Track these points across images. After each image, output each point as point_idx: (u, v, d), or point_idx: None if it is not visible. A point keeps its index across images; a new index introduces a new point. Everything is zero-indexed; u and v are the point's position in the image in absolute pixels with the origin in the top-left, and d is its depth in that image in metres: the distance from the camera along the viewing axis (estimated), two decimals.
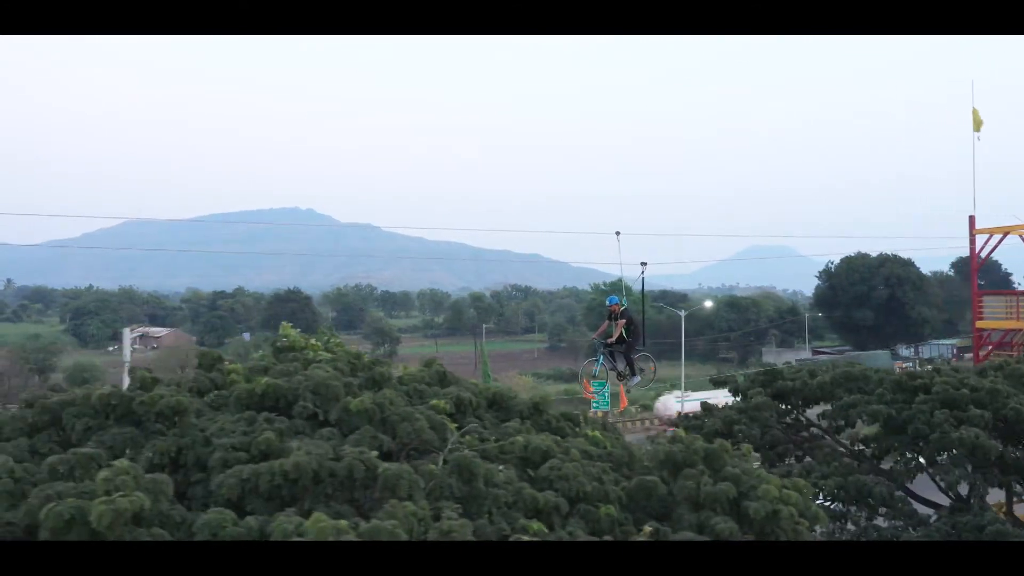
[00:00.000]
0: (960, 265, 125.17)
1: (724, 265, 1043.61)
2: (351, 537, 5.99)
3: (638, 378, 16.90)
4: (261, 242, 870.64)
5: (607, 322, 16.87)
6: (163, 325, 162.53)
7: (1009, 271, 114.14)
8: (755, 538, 7.85)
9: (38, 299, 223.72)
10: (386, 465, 6.76)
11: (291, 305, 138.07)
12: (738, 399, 19.78)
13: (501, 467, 7.64)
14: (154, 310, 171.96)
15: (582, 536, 7.09)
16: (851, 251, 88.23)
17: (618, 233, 17.79)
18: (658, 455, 8.48)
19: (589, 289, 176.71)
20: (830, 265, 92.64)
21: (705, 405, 20.47)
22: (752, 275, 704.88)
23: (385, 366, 10.44)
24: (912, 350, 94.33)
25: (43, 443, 7.64)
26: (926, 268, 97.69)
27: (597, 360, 17.07)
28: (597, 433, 9.33)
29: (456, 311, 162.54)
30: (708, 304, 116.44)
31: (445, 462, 7.29)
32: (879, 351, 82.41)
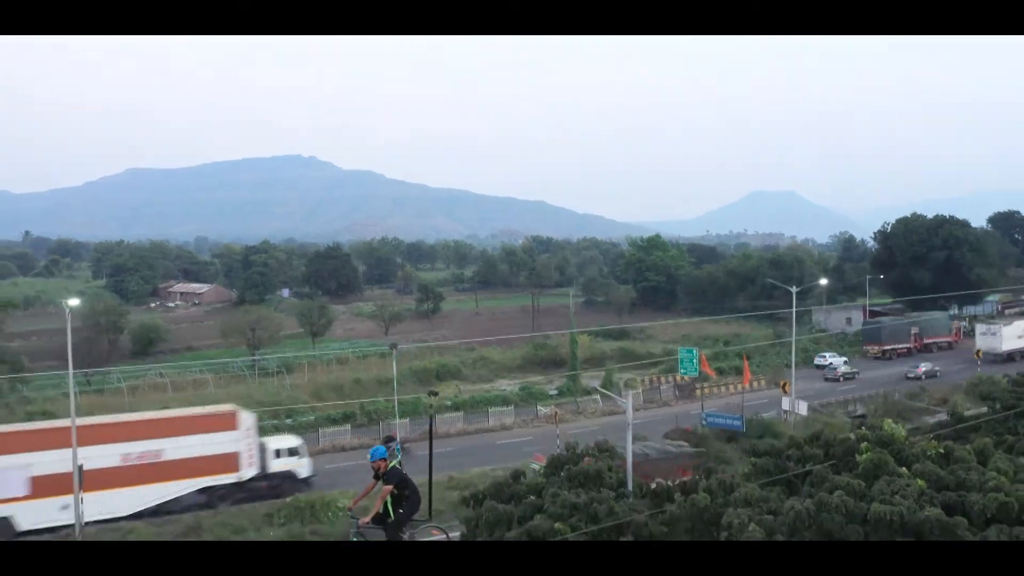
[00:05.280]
0: (997, 220, 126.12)
1: (729, 210, 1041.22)
2: None
3: None
4: (264, 190, 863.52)
5: (372, 483, 12.13)
6: (197, 280, 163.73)
7: None
8: None
9: (63, 252, 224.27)
10: None
11: (332, 262, 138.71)
12: None
13: None
14: (186, 265, 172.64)
15: None
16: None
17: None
18: None
19: (625, 245, 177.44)
20: (886, 226, 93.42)
21: None
22: (757, 221, 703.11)
23: None
24: (960, 310, 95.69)
25: None
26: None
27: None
28: None
29: (489, 265, 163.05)
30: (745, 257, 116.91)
31: None
32: (937, 312, 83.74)
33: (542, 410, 52.93)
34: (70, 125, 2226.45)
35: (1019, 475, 11.27)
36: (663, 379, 64.97)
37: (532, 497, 14.29)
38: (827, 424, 47.81)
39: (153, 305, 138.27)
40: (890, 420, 12.66)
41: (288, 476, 36.90)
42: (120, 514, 32.02)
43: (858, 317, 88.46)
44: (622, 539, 12.85)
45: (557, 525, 12.05)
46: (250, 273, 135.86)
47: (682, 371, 55.49)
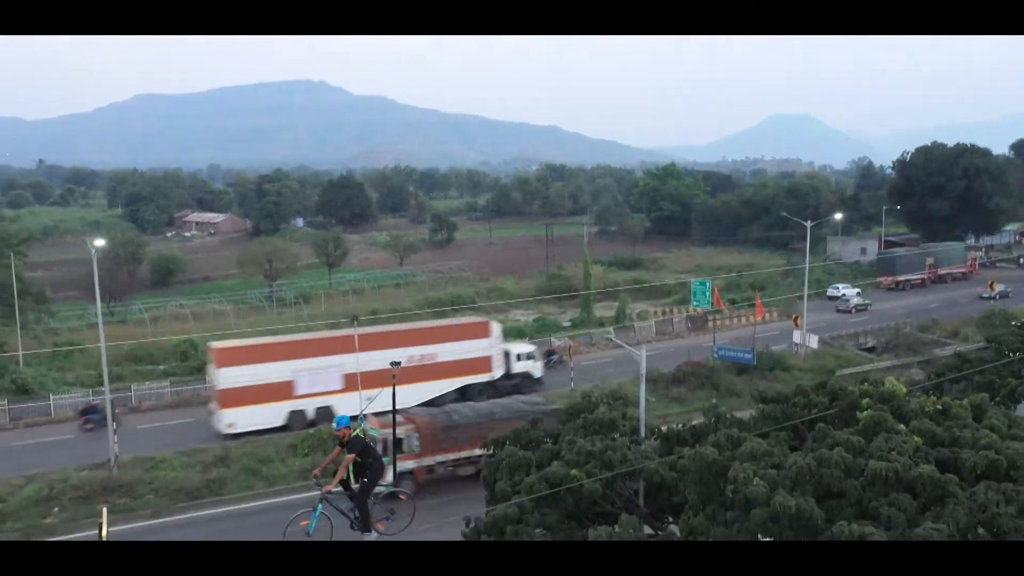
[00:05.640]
0: (1020, 147, 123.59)
1: (746, 135, 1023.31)
2: None
3: (374, 535, 12.18)
4: (274, 116, 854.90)
5: (338, 450, 12.40)
6: (211, 210, 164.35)
7: None
8: None
9: (77, 180, 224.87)
10: None
11: (345, 192, 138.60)
12: None
13: None
14: (200, 194, 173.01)
15: None
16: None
17: None
18: None
19: (639, 172, 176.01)
20: (905, 155, 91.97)
21: None
22: (775, 146, 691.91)
23: None
24: (977, 240, 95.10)
25: None
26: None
27: (315, 513, 12.04)
28: None
29: (502, 193, 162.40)
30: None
31: None
32: (953, 243, 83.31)
33: (556, 342, 53.85)
34: (79, 49, 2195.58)
35: (1012, 430, 11.83)
36: (676, 311, 65.62)
37: (549, 442, 15.07)
38: (837, 357, 48.68)
39: (169, 235, 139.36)
40: (892, 378, 13.14)
41: (526, 376, 43.20)
42: (405, 407, 36.28)
43: (873, 247, 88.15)
44: (632, 485, 13.68)
45: (573, 472, 12.79)
46: (264, 203, 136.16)
47: (695, 303, 56.08)
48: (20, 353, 48.66)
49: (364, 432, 12.41)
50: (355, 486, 12.11)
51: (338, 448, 12.31)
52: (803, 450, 11.58)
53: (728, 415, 15.54)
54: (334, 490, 12.02)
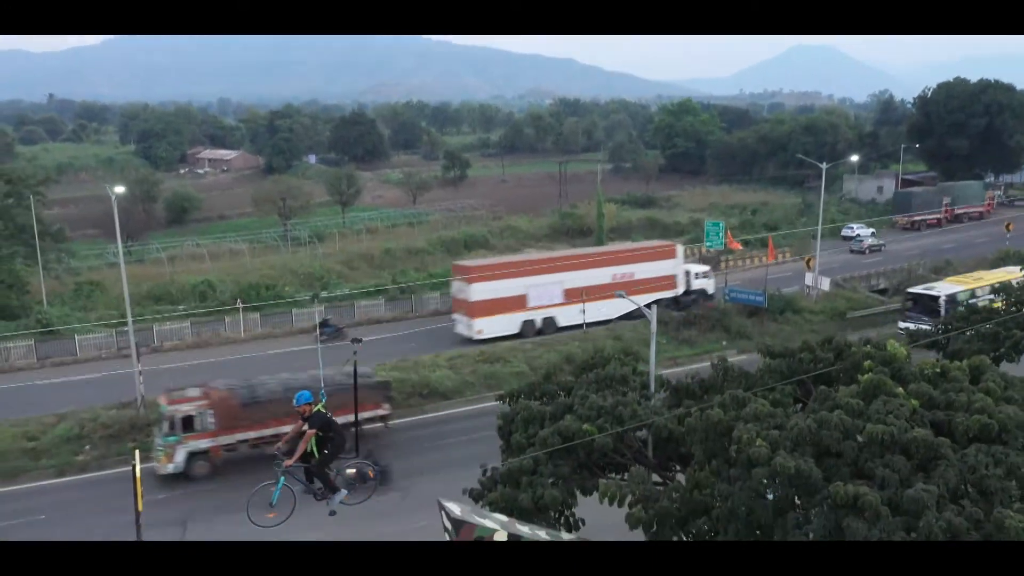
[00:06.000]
0: None
1: (767, 66, 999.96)
2: None
3: (344, 492, 12.60)
4: (285, 48, 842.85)
5: (300, 424, 12.55)
6: (223, 146, 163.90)
7: None
8: None
9: (89, 115, 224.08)
10: None
11: (357, 128, 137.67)
12: None
13: None
14: (212, 130, 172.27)
15: None
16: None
17: None
18: None
19: (655, 107, 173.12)
20: (926, 91, 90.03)
21: None
22: (796, 78, 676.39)
23: None
24: (997, 178, 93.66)
25: None
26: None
27: (277, 485, 12.18)
28: None
29: (515, 129, 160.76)
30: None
31: None
32: (971, 181, 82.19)
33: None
34: None
35: (1008, 392, 12.25)
36: (688, 251, 65.67)
37: (563, 395, 15.65)
38: (849, 300, 48.89)
39: (183, 171, 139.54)
40: (893, 340, 13.51)
41: (702, 293, 48.73)
42: (608, 318, 42.48)
43: (890, 186, 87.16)
44: (640, 435, 14.28)
45: (585, 427, 13.39)
46: (276, 139, 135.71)
47: (707, 244, 56.12)
48: (44, 293, 49.76)
49: (324, 408, 12.58)
50: (314, 460, 12.32)
51: (300, 422, 12.42)
52: (805, 410, 12.09)
53: (736, 369, 16.03)
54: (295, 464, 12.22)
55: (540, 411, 14.97)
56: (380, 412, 30.09)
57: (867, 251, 65.97)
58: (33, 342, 42.18)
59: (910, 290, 42.35)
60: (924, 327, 29.03)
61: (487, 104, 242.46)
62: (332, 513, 12.85)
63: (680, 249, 48.89)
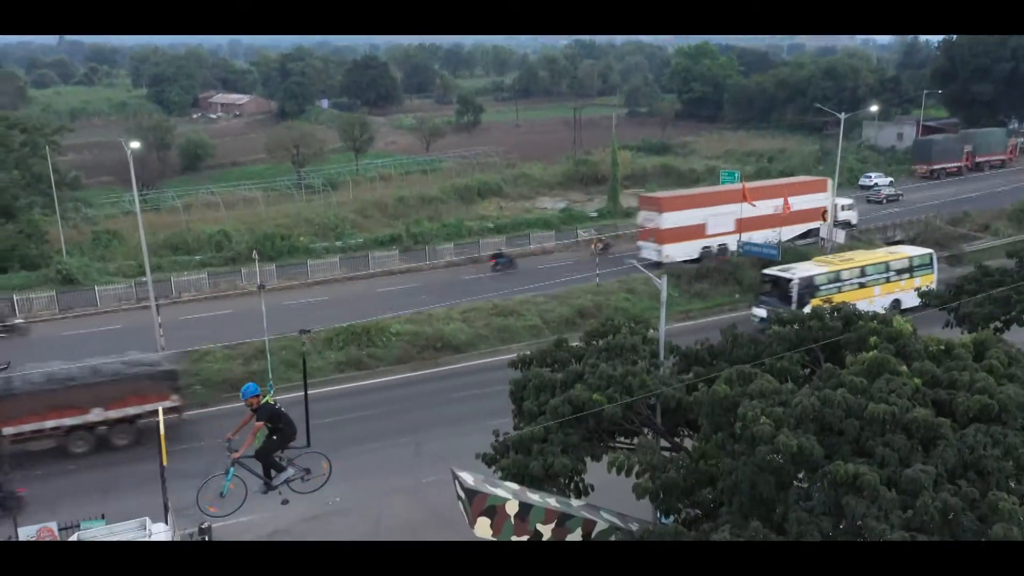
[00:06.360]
0: None
1: None
2: None
3: (290, 471, 12.82)
4: None
5: (250, 415, 12.69)
6: (235, 90, 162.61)
7: None
8: None
9: (99, 58, 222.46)
10: None
11: (370, 72, 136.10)
12: None
13: None
14: (224, 74, 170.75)
15: None
16: None
17: None
18: None
19: (670, 48, 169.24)
20: (951, 37, 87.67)
21: None
22: None
23: None
24: (1020, 124, 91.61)
25: None
26: None
27: (227, 475, 12.39)
28: None
29: (529, 72, 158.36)
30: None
31: None
32: (993, 128, 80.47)
33: (582, 234, 54.29)
34: None
35: (1011, 368, 12.42)
36: None
37: (574, 363, 15.96)
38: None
39: (195, 116, 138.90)
40: (899, 317, 13.62)
41: (846, 223, 53.27)
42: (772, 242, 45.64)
43: (911, 133, 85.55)
44: (650, 402, 14.59)
45: (595, 396, 13.71)
46: (288, 83, 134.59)
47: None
48: (63, 242, 50.35)
49: (272, 399, 12.74)
50: (259, 448, 12.63)
51: (250, 413, 12.59)
52: (811, 387, 12.33)
53: (744, 336, 16.24)
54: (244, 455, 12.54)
55: (551, 379, 15.32)
56: (168, 404, 26.85)
57: (884, 200, 65.30)
58: (55, 293, 42.92)
59: (765, 271, 38.92)
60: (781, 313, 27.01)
61: (500, 46, 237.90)
62: (284, 502, 13.24)
63: (830, 182, 51.99)
